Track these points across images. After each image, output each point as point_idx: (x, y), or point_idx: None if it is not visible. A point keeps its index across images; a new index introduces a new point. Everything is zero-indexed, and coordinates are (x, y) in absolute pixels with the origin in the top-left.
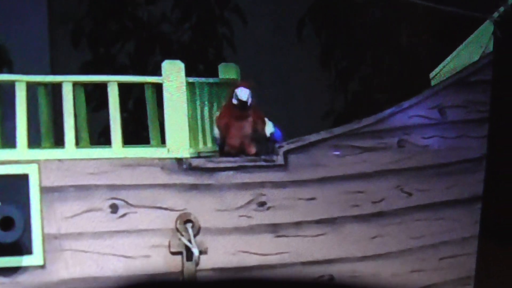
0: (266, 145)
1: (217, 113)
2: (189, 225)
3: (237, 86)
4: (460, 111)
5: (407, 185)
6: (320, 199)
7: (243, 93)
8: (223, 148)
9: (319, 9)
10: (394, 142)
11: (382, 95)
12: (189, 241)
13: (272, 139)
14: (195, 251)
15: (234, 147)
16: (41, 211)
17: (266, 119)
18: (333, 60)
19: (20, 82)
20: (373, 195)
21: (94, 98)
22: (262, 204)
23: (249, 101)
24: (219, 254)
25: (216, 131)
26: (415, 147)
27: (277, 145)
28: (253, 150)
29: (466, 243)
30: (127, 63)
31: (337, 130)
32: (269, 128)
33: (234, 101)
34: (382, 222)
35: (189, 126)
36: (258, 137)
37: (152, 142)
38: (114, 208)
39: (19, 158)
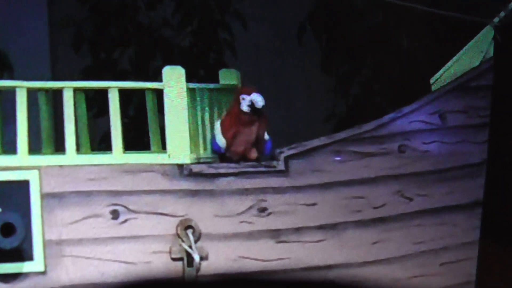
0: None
1: (219, 121)
2: (190, 231)
3: (242, 92)
4: (461, 116)
5: (407, 190)
6: (321, 204)
7: (260, 100)
8: (224, 154)
9: (320, 14)
10: (394, 147)
11: (383, 99)
12: (190, 247)
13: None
14: (196, 257)
15: (237, 153)
16: (42, 217)
17: None
18: (333, 64)
19: (21, 88)
20: (374, 201)
21: (95, 104)
22: (263, 209)
23: None
24: (220, 260)
25: (222, 141)
26: (416, 153)
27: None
28: (254, 154)
29: (466, 248)
30: (128, 68)
31: (338, 136)
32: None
33: (245, 108)
34: (383, 228)
35: (190, 132)
36: (259, 140)
37: (152, 148)
38: (115, 214)
39: (20, 164)
